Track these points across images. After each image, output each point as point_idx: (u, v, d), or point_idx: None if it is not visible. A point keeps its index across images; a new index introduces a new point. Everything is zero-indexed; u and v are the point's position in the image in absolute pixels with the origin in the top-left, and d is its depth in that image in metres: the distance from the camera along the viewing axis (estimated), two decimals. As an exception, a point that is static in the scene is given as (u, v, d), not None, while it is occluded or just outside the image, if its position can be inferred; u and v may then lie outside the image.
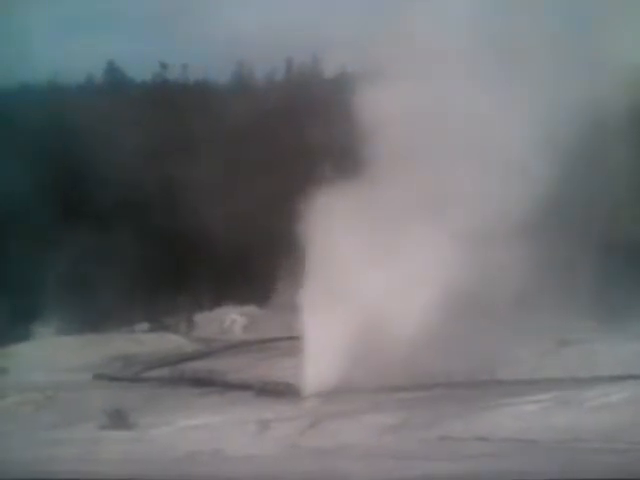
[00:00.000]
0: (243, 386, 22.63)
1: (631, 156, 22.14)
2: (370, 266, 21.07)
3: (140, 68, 41.05)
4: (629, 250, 23.72)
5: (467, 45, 21.58)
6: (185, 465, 15.20)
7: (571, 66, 21.45)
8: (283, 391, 21.33)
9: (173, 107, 37.82)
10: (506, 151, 20.57)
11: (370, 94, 21.39)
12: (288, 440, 16.91)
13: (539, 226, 20.46)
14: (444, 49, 21.49)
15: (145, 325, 33.71)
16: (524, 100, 20.83)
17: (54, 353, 28.45)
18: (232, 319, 34.42)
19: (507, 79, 21.20)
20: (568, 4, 23.06)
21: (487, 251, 20.07)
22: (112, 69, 41.76)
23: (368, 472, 13.24)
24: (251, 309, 34.74)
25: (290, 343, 23.68)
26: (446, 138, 21.08)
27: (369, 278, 21.00)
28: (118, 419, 18.71)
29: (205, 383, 23.66)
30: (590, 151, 20.77)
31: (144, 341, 31.30)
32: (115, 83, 41.43)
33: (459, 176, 20.90)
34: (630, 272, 22.95)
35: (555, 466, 13.26)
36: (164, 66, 41.46)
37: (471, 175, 20.78)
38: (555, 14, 22.98)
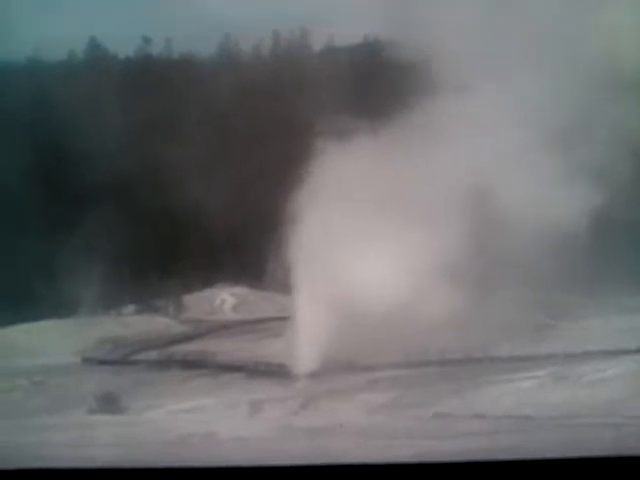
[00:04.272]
0: (234, 367, 22.43)
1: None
2: (361, 244, 20.78)
3: (123, 43, 40.12)
4: (624, 226, 23.40)
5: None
6: (177, 448, 14.94)
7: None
8: (275, 372, 21.14)
9: (157, 82, 37.04)
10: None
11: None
12: (281, 421, 16.71)
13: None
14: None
15: (132, 307, 33.33)
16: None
17: (42, 337, 28.05)
18: (222, 299, 34.13)
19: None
20: None
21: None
22: (94, 45, 40.80)
23: (362, 451, 13.00)
24: (241, 289, 34.45)
25: (281, 323, 23.42)
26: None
27: (360, 256, 20.74)
28: (109, 403, 18.43)
29: (196, 365, 23.45)
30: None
31: (133, 323, 30.93)
32: (97, 59, 40.46)
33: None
34: (625, 247, 22.73)
35: (552, 442, 13.12)
36: (147, 40, 40.57)
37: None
38: None
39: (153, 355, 25.46)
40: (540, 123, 20.83)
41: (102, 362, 25.27)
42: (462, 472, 4.32)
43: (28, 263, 30.43)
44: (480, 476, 4.29)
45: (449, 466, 4.42)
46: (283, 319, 23.03)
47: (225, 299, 34.06)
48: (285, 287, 22.40)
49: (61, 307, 29.86)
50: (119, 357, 25.96)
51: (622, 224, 22.07)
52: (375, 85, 23.64)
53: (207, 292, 34.56)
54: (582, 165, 20.74)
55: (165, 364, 24.07)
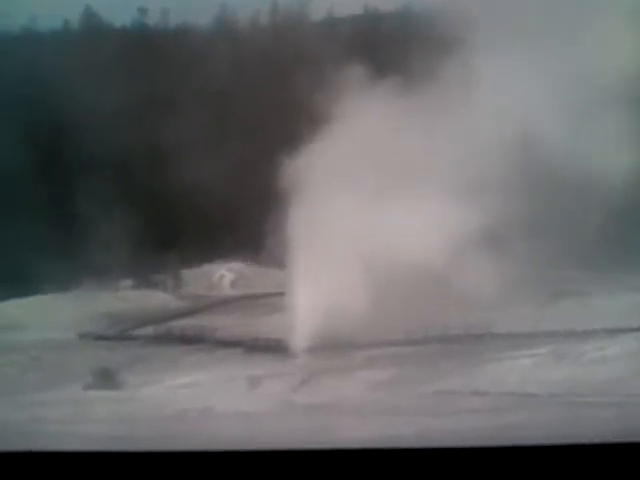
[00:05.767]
0: (233, 343, 22.28)
1: None
2: (357, 220, 20.47)
3: (118, 13, 39.49)
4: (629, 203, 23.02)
5: None
6: (175, 423, 14.80)
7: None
8: (274, 347, 20.98)
9: (154, 53, 36.40)
10: None
11: None
12: (280, 397, 16.57)
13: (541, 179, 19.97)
14: None
15: (130, 282, 33.08)
16: None
17: (38, 311, 27.83)
18: (221, 275, 33.94)
19: None
20: None
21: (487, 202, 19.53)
22: (89, 14, 40.07)
23: (362, 429, 12.83)
24: (240, 265, 34.22)
25: (280, 299, 23.20)
26: None
27: (357, 232, 20.45)
28: (106, 379, 18.29)
29: (194, 340, 23.29)
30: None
31: (130, 298, 30.70)
32: (93, 29, 39.74)
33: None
34: (629, 225, 22.38)
35: (554, 420, 12.96)
36: (143, 11, 39.95)
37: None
38: None
39: (150, 330, 25.29)
40: (584, 80, 20.25)
41: (99, 337, 25.11)
42: (464, 457, 4.10)
43: (24, 237, 30.11)
44: (482, 460, 4.07)
45: (450, 451, 4.20)
46: (282, 295, 22.80)
47: (224, 274, 33.85)
48: (284, 263, 22.09)
49: (58, 282, 29.61)
50: (116, 332, 25.78)
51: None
52: (384, 50, 23.05)
53: (206, 267, 34.33)
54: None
55: (163, 339, 23.93)
